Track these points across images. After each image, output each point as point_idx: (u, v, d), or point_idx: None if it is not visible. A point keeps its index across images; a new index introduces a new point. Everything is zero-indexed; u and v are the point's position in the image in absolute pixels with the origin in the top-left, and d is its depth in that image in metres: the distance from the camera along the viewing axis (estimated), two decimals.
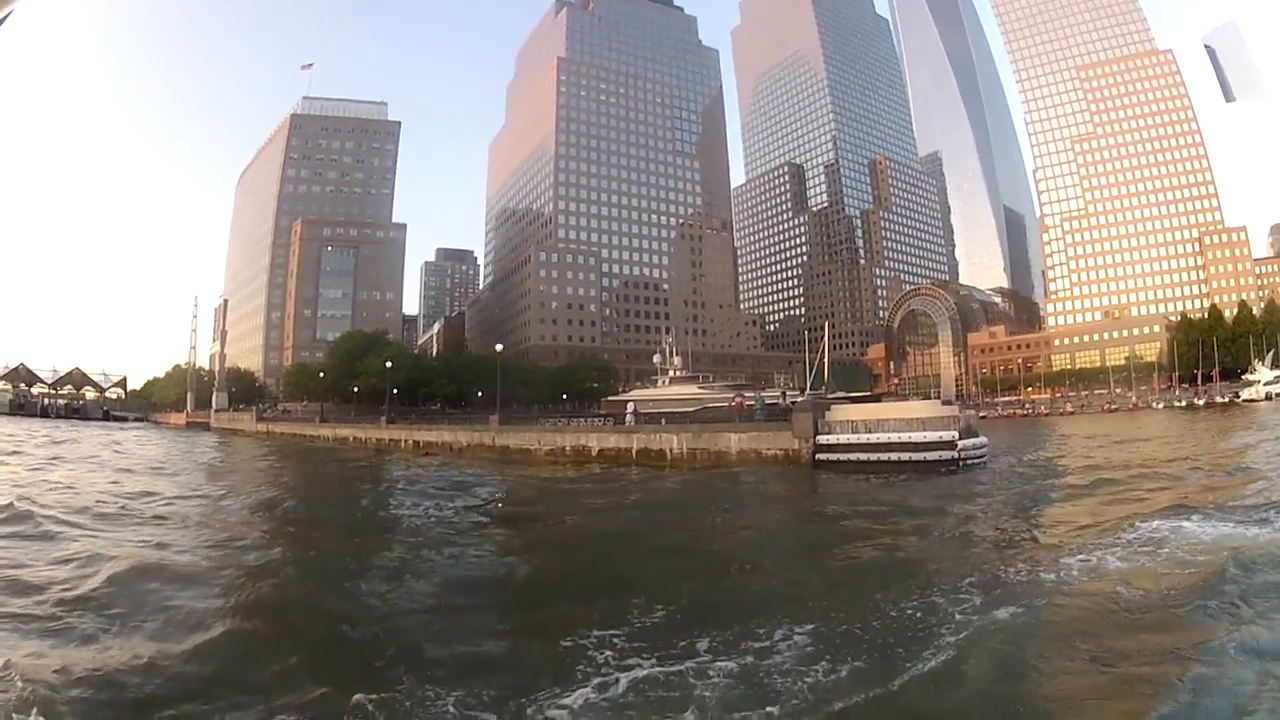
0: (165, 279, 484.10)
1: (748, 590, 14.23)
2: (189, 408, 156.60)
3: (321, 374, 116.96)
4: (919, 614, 11.47)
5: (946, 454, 32.85)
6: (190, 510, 25.58)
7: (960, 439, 33.35)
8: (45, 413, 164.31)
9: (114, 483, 34.15)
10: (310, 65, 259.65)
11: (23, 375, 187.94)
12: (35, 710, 7.87)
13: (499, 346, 79.27)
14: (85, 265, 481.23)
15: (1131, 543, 15.51)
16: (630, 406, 55.26)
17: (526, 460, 51.86)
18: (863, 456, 34.47)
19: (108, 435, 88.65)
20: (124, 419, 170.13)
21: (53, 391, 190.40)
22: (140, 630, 11.60)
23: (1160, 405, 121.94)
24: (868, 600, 12.27)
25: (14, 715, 7.77)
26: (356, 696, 8.57)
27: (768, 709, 8.24)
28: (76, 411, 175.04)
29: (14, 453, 52.25)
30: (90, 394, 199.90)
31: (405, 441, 72.38)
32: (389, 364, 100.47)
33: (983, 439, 36.21)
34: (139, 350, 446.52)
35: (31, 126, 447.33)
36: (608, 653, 10.01)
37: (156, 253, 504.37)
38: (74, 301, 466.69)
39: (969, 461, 33.37)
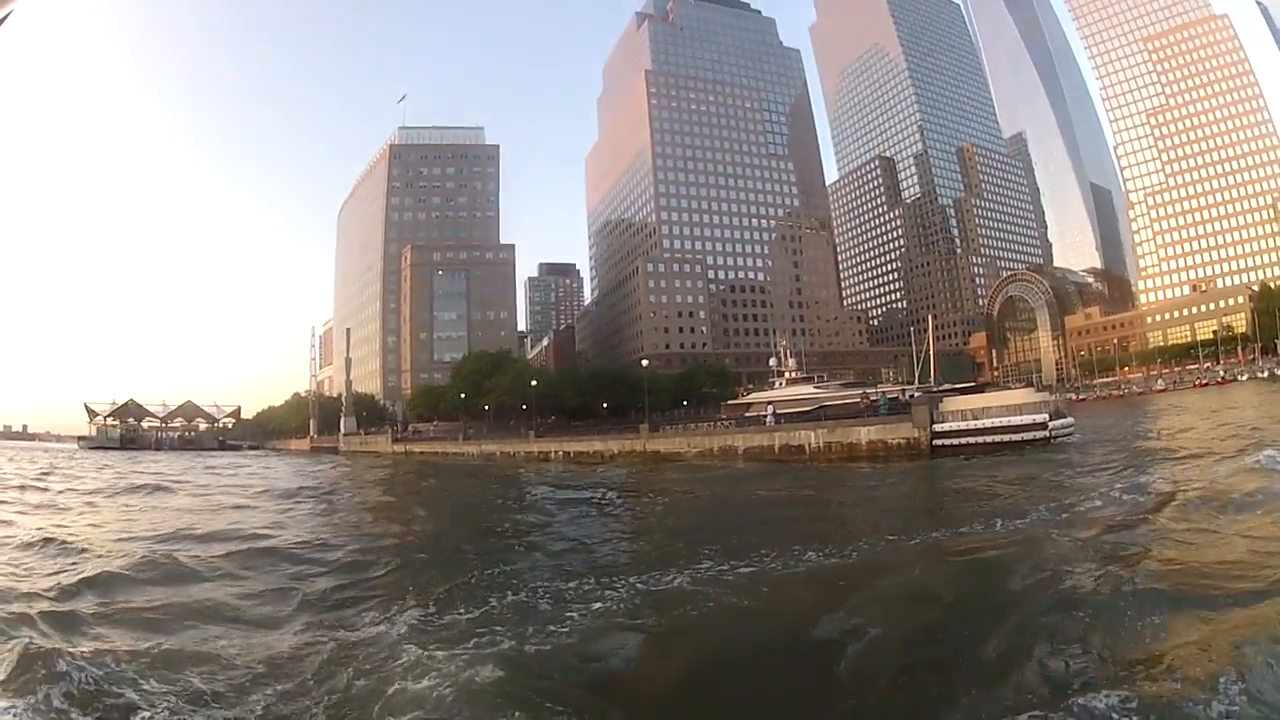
0: (269, 312, 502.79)
1: (837, 528, 19.83)
2: (312, 433, 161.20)
3: (463, 395, 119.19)
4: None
5: (1040, 434, 38.99)
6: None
7: (1051, 420, 39.70)
8: (159, 445, 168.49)
9: None
10: (404, 98, 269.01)
11: (132, 410, 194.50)
12: None
13: (644, 362, 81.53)
14: (191, 303, 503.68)
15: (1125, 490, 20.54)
16: (769, 409, 58.64)
17: (678, 462, 54.21)
18: (972, 440, 40.21)
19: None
20: (238, 447, 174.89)
21: (163, 425, 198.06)
22: None
23: (1245, 378, 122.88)
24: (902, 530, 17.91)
25: None
26: None
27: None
28: (190, 443, 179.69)
29: None
30: (203, 425, 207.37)
31: (555, 453, 74.07)
32: (534, 382, 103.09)
33: (1070, 419, 42.46)
34: (247, 382, 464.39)
35: (136, 168, 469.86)
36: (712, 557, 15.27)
37: (260, 287, 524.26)
38: (181, 338, 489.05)
39: (1058, 438, 39.38)
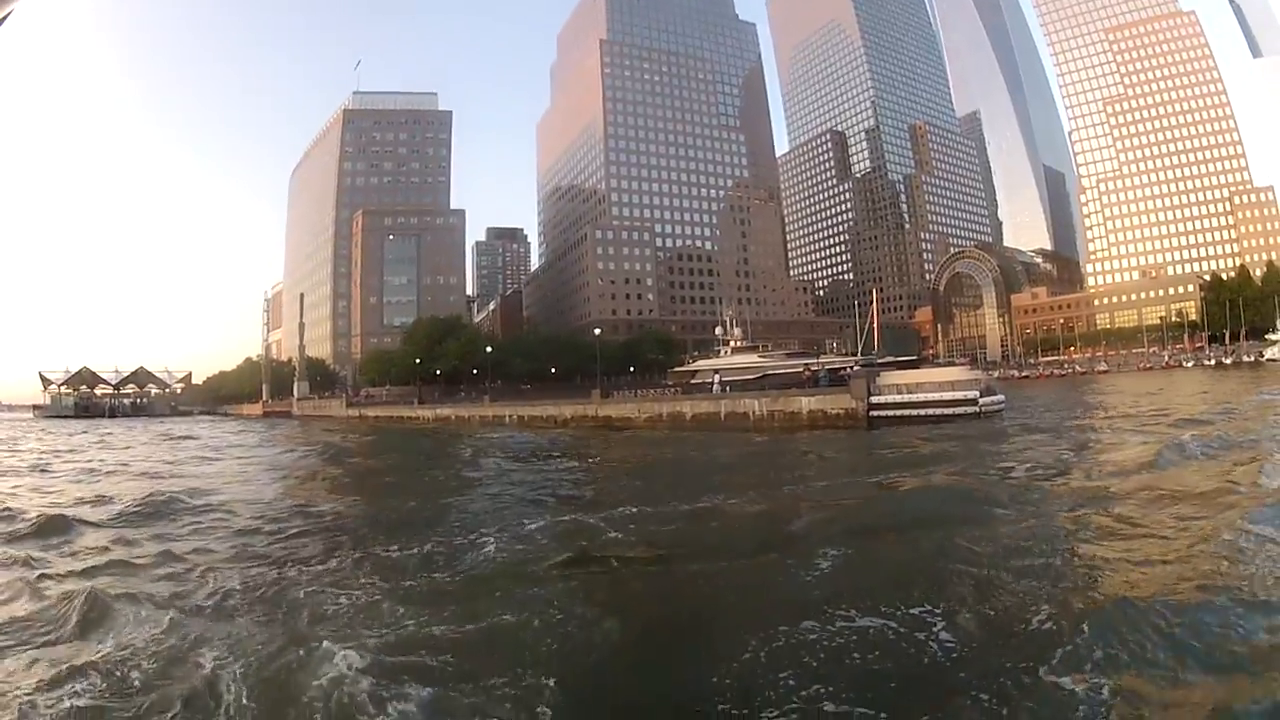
0: (220, 277, 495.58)
1: (759, 478, 23.26)
2: (265, 397, 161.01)
3: (419, 360, 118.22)
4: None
5: (970, 409, 41.24)
6: None
7: (981, 397, 42.15)
8: (112, 413, 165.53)
9: None
10: (360, 64, 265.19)
11: (86, 378, 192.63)
12: None
13: (597, 330, 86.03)
14: (140, 269, 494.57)
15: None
16: (716, 377, 60.25)
17: (628, 427, 56.26)
18: (907, 412, 42.36)
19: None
20: (189, 413, 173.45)
21: (116, 392, 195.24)
22: None
23: (1191, 364, 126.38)
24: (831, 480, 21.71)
25: None
26: None
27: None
28: (143, 409, 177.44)
29: None
30: (155, 391, 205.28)
31: (510, 417, 74.58)
32: (489, 348, 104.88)
33: (1000, 397, 44.93)
34: (198, 347, 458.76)
35: (84, 131, 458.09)
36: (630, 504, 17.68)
37: (211, 252, 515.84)
38: (132, 305, 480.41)
39: (987, 413, 41.65)
